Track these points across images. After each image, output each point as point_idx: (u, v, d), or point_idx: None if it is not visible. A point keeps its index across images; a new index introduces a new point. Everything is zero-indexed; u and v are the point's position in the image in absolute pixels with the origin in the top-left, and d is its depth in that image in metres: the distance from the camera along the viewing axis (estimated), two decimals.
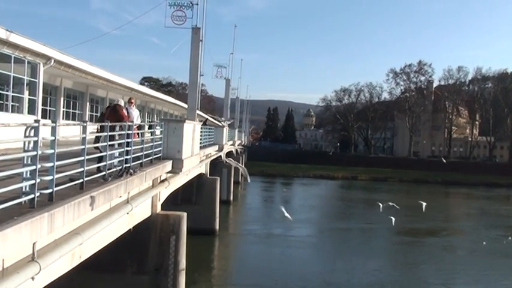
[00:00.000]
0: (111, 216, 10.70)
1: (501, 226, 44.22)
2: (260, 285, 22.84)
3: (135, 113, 14.94)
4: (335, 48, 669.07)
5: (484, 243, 32.50)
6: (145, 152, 13.84)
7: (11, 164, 7.39)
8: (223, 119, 50.56)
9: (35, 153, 7.24)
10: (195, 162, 19.96)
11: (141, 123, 15.01)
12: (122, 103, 13.95)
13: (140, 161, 13.23)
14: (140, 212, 14.10)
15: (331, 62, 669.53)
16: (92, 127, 14.21)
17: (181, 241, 15.93)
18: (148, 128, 14.93)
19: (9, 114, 19.44)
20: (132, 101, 15.40)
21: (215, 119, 60.26)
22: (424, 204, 27.98)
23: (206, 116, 62.82)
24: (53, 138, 7.89)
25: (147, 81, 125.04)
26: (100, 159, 10.81)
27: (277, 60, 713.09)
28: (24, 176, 7.23)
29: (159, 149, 15.58)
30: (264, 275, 24.42)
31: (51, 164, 7.75)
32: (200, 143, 23.53)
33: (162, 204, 16.58)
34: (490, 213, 54.57)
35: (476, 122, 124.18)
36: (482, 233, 39.73)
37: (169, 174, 16.50)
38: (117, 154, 11.64)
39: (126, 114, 13.48)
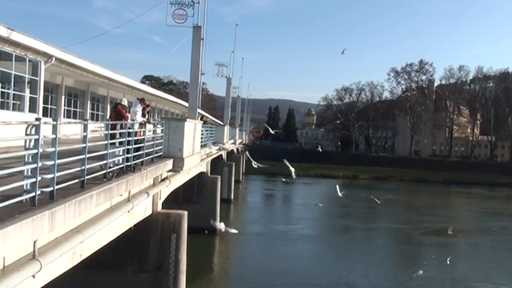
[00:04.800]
0: (112, 215, 10.71)
1: None
2: (261, 283, 22.85)
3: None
4: (336, 47, 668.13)
5: None
6: (146, 151, 13.85)
7: (12, 162, 7.39)
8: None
9: (36, 151, 7.24)
10: (195, 161, 19.96)
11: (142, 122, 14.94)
12: (125, 102, 13.97)
13: (141, 160, 13.23)
14: (141, 210, 14.10)
15: (333, 60, 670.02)
16: (93, 125, 14.24)
17: (182, 240, 15.94)
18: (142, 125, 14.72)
19: (10, 112, 19.43)
20: (147, 102, 15.35)
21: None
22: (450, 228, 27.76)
23: (208, 116, 62.75)
24: (54, 136, 7.89)
25: (148, 79, 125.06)
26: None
27: (279, 59, 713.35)
28: (25, 174, 7.23)
29: (160, 147, 15.59)
30: (264, 273, 24.43)
31: (52, 162, 7.75)
32: (201, 142, 23.52)
33: (162, 203, 16.59)
34: (505, 213, 54.36)
35: (478, 121, 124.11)
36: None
37: (170, 173, 16.50)
38: (120, 152, 11.66)
39: (125, 113, 13.52)
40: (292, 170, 23.88)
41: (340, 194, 28.73)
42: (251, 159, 25.60)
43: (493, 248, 34.87)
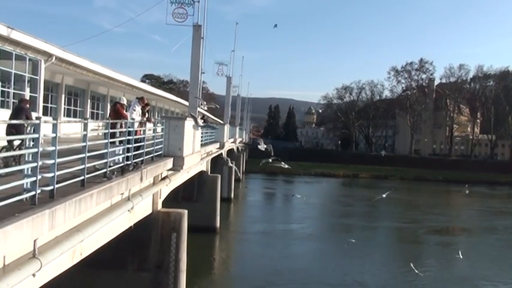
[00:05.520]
0: (112, 214, 10.71)
1: None
2: (262, 282, 22.81)
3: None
4: (337, 46, 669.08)
5: None
6: (146, 150, 13.85)
7: (12, 161, 7.40)
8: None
9: (36, 150, 7.25)
10: (196, 160, 19.97)
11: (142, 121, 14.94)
12: (124, 101, 13.98)
13: (141, 158, 13.24)
14: (141, 209, 14.11)
15: (333, 59, 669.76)
16: (93, 124, 14.29)
17: (182, 238, 15.94)
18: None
19: (10, 111, 19.44)
20: (146, 101, 15.38)
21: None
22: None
23: (210, 115, 62.40)
24: (54, 135, 7.90)
25: (148, 78, 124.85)
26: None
27: (279, 58, 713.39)
28: (26, 173, 7.24)
29: (160, 146, 15.59)
30: (265, 272, 24.41)
31: (52, 161, 7.76)
32: (201, 141, 23.53)
33: (163, 202, 16.60)
34: (506, 212, 54.26)
35: (478, 120, 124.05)
36: None
37: (170, 172, 16.51)
38: (120, 151, 11.68)
39: (124, 112, 13.56)
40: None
41: (284, 166, 32.58)
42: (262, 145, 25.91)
43: (499, 246, 34.90)
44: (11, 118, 10.87)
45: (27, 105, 11.85)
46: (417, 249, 33.12)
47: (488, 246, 34.35)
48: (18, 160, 8.99)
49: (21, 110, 11.14)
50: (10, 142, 9.47)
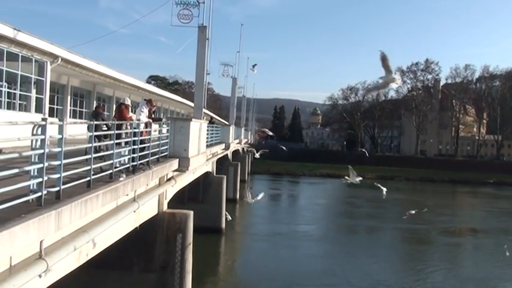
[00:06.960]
0: (118, 214, 10.73)
1: None
2: (266, 284, 22.81)
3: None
4: (342, 47, 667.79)
5: None
6: (152, 150, 13.87)
7: (18, 162, 7.43)
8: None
9: (42, 151, 7.26)
10: (201, 161, 19.98)
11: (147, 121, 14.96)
12: (128, 101, 14.02)
13: (147, 159, 13.26)
14: (147, 210, 14.12)
15: (338, 60, 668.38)
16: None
17: (188, 239, 15.95)
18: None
19: (16, 112, 19.53)
20: (154, 103, 15.45)
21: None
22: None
23: (215, 116, 62.59)
24: (60, 136, 7.91)
25: (153, 79, 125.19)
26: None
27: (284, 59, 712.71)
28: (32, 174, 7.25)
29: (166, 147, 15.61)
30: (270, 273, 24.38)
31: (59, 162, 7.77)
32: (206, 142, 23.54)
33: (168, 203, 16.61)
34: None
35: (484, 121, 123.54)
36: None
37: (175, 173, 16.51)
38: (126, 152, 11.70)
39: (128, 113, 13.62)
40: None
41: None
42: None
43: None
44: (90, 120, 13.16)
45: (102, 110, 14.98)
46: (432, 250, 32.98)
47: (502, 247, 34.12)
48: (104, 148, 11.19)
49: (98, 114, 13.83)
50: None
